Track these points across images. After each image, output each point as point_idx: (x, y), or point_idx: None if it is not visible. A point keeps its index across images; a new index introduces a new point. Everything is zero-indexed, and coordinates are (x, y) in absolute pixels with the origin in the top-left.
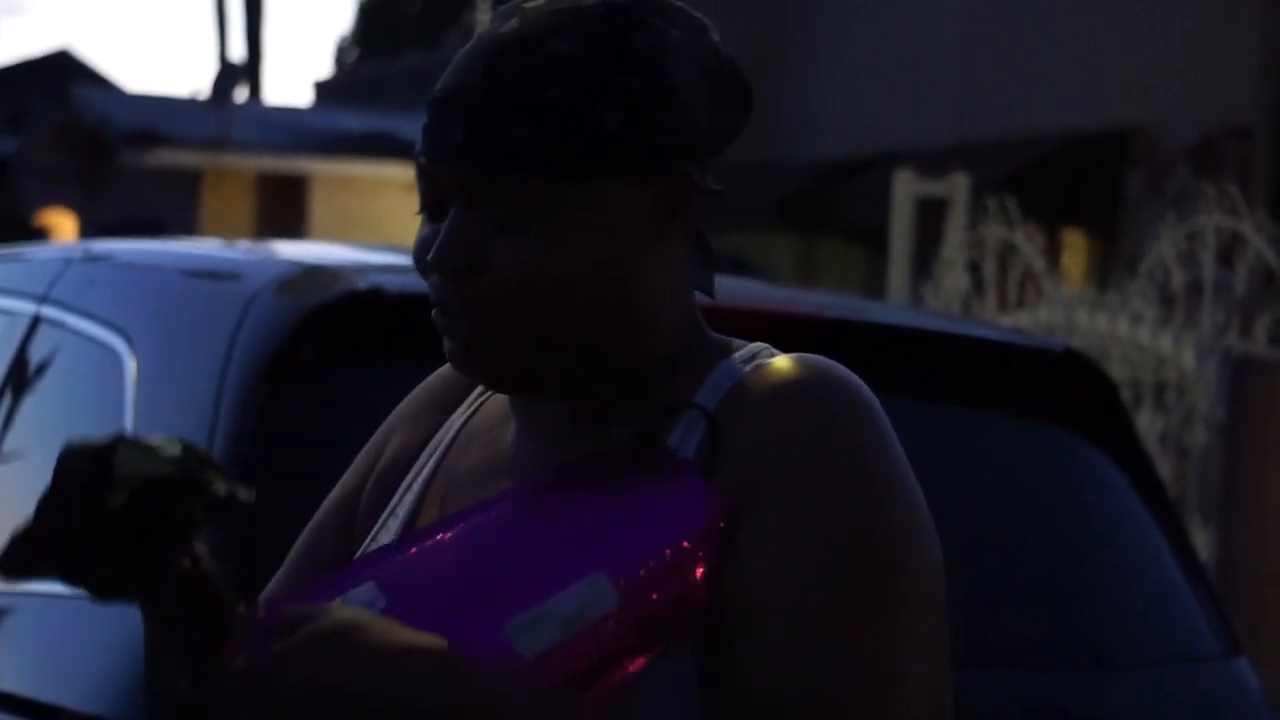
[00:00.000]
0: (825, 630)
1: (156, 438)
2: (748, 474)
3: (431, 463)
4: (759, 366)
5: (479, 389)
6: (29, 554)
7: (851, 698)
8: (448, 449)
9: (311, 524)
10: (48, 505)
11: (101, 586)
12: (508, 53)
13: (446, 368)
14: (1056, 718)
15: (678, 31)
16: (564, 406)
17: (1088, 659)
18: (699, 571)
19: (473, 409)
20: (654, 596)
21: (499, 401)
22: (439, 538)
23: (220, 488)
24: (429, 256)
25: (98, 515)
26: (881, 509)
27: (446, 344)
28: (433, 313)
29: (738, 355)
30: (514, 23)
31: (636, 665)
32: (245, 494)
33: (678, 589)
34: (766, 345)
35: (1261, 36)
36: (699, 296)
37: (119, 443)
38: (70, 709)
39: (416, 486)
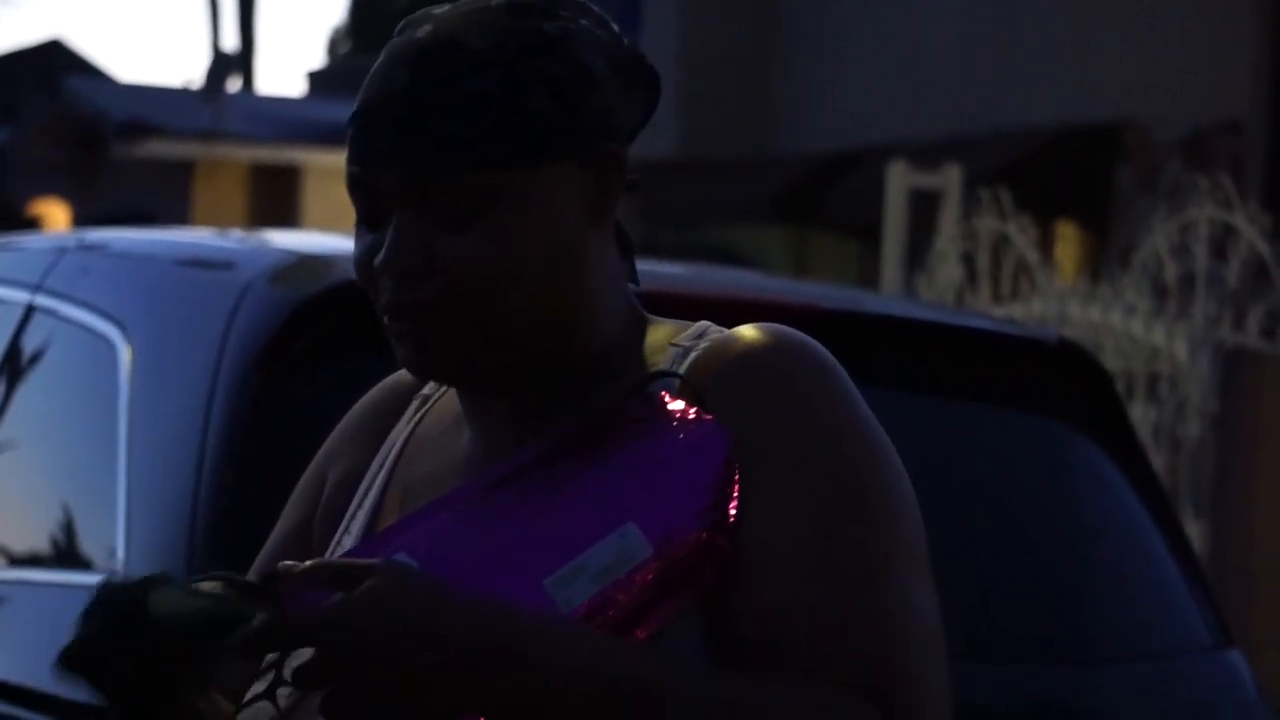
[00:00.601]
0: (830, 578)
1: (201, 580)
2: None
3: (381, 476)
4: (715, 339)
5: (419, 401)
6: (74, 662)
7: (866, 637)
8: (396, 460)
9: (255, 567)
10: (89, 633)
11: (131, 713)
12: (429, 55)
13: (375, 390)
14: (1050, 711)
15: (584, 21)
16: (514, 403)
17: (1081, 651)
18: (727, 507)
19: (416, 420)
20: (685, 540)
21: (446, 408)
22: (459, 508)
23: (257, 618)
24: (377, 261)
25: (136, 649)
26: (861, 462)
27: (400, 352)
28: (384, 321)
29: (686, 335)
30: (428, 28)
31: (665, 614)
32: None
33: (706, 531)
34: (711, 324)
35: (1254, 31)
36: (699, 286)
37: (159, 581)
38: (66, 698)
39: (370, 500)
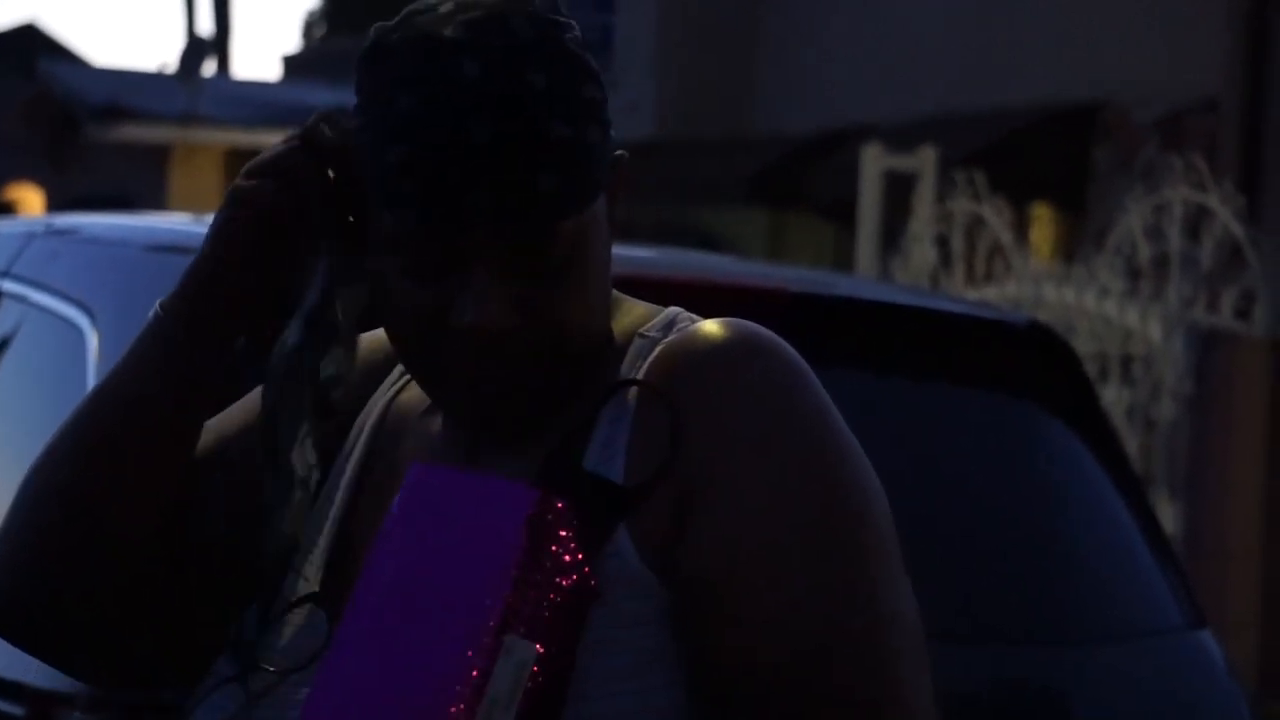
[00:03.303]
0: (816, 590)
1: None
2: (694, 444)
3: (360, 448)
4: (680, 333)
5: (399, 369)
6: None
7: (859, 648)
8: (375, 433)
9: (220, 425)
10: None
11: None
12: (500, 99)
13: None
14: (1022, 692)
15: (568, 17)
16: None
17: (1053, 632)
18: (572, 556)
19: (394, 390)
20: (548, 603)
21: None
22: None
23: None
24: (465, 321)
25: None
26: (832, 464)
27: (464, 406)
28: (440, 374)
29: (654, 324)
30: (470, 62)
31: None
32: None
33: (567, 587)
34: (681, 311)
35: (1230, 11)
36: (670, 270)
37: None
38: (34, 686)
39: (350, 471)
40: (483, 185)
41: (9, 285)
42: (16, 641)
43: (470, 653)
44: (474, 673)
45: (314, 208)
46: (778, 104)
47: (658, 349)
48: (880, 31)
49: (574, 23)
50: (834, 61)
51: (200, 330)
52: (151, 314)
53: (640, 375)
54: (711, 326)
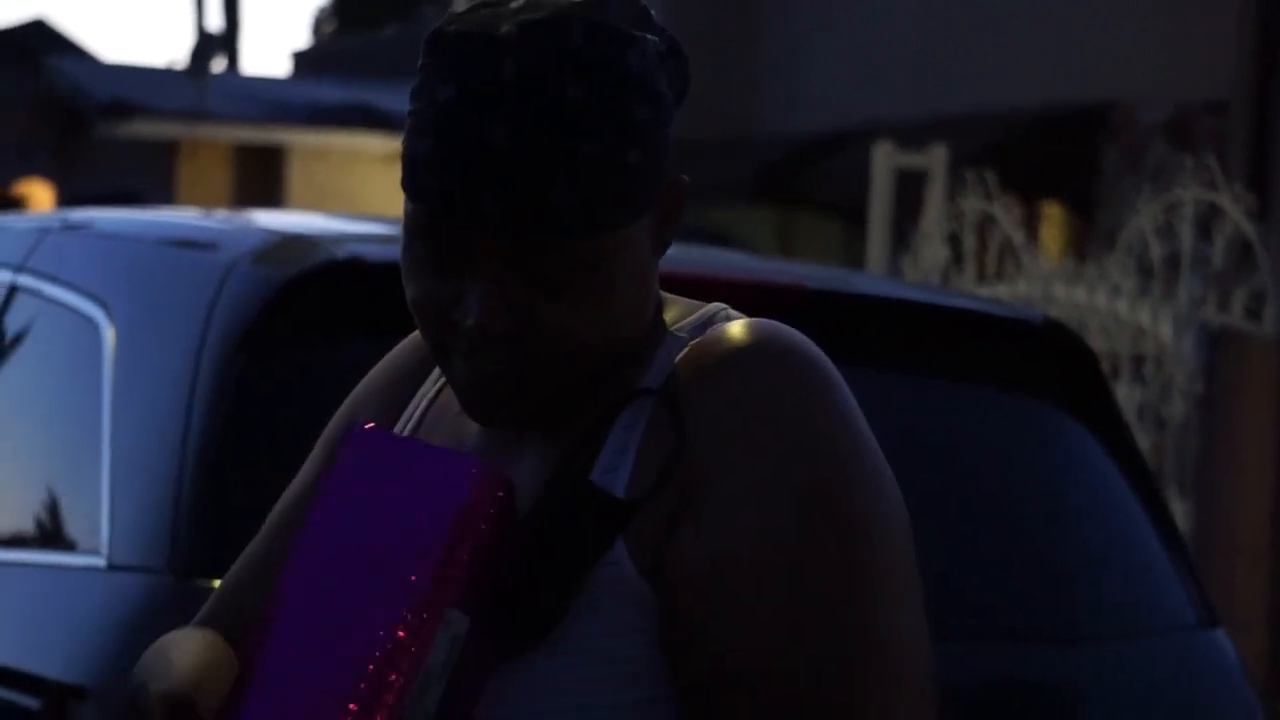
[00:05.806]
0: (800, 603)
1: None
2: (699, 450)
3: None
4: (710, 334)
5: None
6: None
7: (837, 668)
8: (418, 427)
9: (274, 518)
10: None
11: None
12: (529, 107)
13: (404, 345)
14: (1033, 690)
15: (648, 34)
16: None
17: (1066, 630)
18: (504, 532)
19: (439, 385)
20: (482, 577)
21: None
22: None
23: None
24: (468, 323)
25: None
26: (841, 477)
27: (468, 395)
28: (448, 358)
29: (691, 320)
30: (511, 66)
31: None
32: None
33: (502, 563)
34: (724, 308)
35: (1238, 9)
36: (687, 266)
37: None
38: (50, 679)
39: None
40: (494, 190)
41: (25, 280)
42: None
43: (409, 620)
44: (413, 646)
45: None
46: (784, 103)
47: (686, 349)
48: (886, 30)
49: (650, 37)
50: (839, 61)
51: None
52: None
53: (665, 377)
54: (735, 329)
